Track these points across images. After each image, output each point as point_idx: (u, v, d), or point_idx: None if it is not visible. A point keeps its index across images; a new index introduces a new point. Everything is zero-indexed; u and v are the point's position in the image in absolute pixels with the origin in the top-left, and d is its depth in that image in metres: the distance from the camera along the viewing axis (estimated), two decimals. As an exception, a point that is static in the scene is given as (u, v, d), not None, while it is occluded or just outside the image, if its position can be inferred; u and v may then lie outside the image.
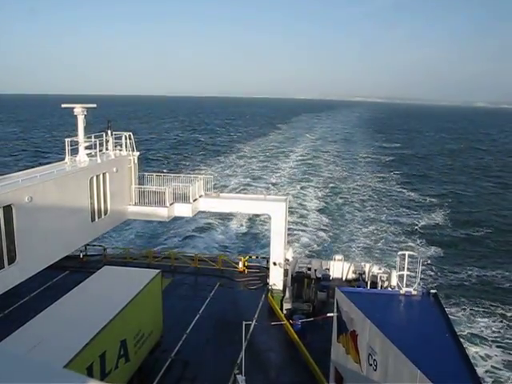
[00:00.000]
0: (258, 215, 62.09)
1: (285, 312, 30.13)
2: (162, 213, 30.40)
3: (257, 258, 41.44)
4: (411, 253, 21.73)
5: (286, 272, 33.25)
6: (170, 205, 30.52)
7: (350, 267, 35.32)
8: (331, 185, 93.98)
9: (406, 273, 20.34)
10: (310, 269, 35.69)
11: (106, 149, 29.52)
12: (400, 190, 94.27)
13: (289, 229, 40.34)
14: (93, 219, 26.27)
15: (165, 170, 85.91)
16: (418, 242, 61.16)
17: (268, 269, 34.48)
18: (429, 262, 53.25)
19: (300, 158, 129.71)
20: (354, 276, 35.11)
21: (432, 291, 19.80)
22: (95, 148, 27.59)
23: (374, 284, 32.07)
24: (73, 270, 36.19)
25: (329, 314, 20.55)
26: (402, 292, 19.53)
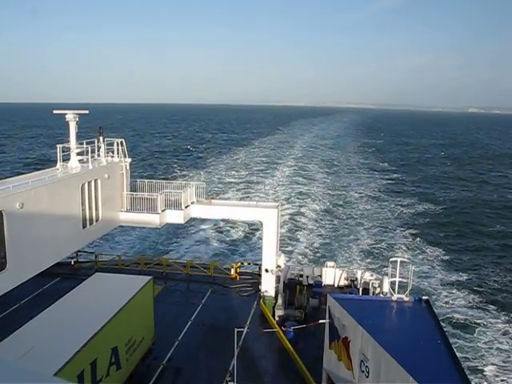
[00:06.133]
0: (250, 221, 62.05)
1: (277, 319, 30.06)
2: (153, 219, 30.29)
3: (249, 264, 41.38)
4: (403, 259, 21.83)
5: (278, 279, 33.23)
6: (162, 211, 30.41)
7: (342, 274, 35.39)
8: (324, 191, 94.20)
9: (397, 279, 20.42)
10: (301, 275, 35.74)
11: (98, 155, 29.41)
12: (393, 196, 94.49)
13: (281, 236, 40.34)
14: (84, 226, 26.13)
15: (157, 177, 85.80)
16: (410, 248, 61.29)
17: (260, 275, 34.41)
18: (421, 268, 53.36)
19: (295, 162, 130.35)
20: (346, 283, 35.19)
21: (424, 297, 19.89)
22: (87, 154, 27.50)
23: (366, 290, 32.13)
24: (64, 276, 35.97)
25: (321, 321, 20.54)
26: (393, 298, 19.60)
